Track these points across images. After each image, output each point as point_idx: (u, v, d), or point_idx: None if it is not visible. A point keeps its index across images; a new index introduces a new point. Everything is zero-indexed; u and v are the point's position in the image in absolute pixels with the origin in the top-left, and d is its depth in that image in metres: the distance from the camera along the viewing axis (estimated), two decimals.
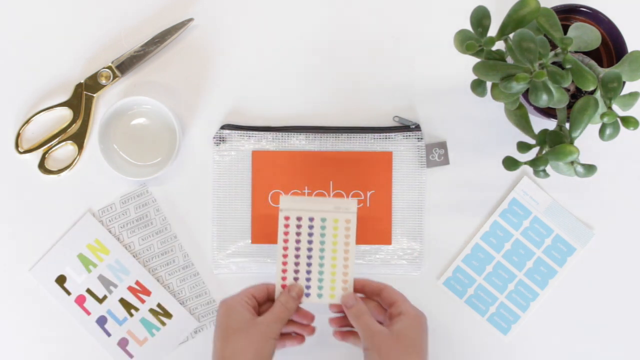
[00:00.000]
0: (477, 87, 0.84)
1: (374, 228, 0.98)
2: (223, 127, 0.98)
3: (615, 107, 0.78)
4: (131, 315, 0.98)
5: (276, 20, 0.99)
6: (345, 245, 0.88)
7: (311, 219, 0.89)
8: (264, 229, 0.98)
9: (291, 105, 0.99)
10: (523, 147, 0.84)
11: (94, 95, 0.98)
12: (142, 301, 0.98)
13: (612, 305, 0.99)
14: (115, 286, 0.97)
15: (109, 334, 0.97)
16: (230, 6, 0.99)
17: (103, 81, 0.98)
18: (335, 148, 0.99)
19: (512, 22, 0.79)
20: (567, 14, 0.91)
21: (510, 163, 0.84)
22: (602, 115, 0.77)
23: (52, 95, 0.98)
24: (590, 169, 0.82)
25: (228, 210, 0.98)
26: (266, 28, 0.99)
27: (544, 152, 0.83)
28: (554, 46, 0.82)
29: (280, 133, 0.98)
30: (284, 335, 0.89)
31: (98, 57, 0.98)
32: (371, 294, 0.88)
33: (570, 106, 0.86)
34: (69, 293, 0.97)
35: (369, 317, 0.84)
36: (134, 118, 0.98)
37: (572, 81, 0.77)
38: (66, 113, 0.98)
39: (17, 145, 0.97)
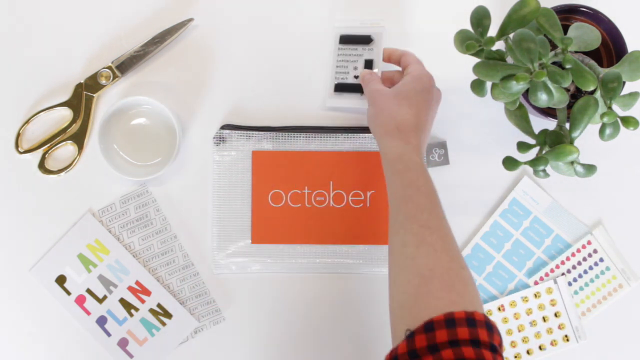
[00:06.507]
0: (477, 87, 0.84)
1: (374, 228, 0.98)
2: (223, 127, 0.98)
3: (615, 107, 0.78)
4: (131, 315, 0.98)
5: (276, 20, 0.99)
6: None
7: None
8: (264, 229, 0.98)
9: (291, 105, 0.99)
10: (523, 147, 0.84)
11: (94, 95, 0.98)
12: (142, 301, 0.98)
13: (612, 305, 0.99)
14: (115, 286, 0.97)
15: (109, 334, 0.97)
16: (230, 6, 0.99)
17: (103, 81, 0.98)
18: (335, 148, 0.99)
19: (512, 22, 0.79)
20: (567, 14, 0.91)
21: (510, 163, 0.84)
22: (602, 115, 0.77)
23: (52, 95, 0.98)
24: (590, 169, 0.82)
25: (228, 210, 0.98)
26: (266, 28, 0.99)
27: (544, 152, 0.83)
28: (554, 46, 0.82)
29: (280, 133, 0.98)
30: None
31: (98, 57, 0.98)
32: (396, 61, 0.94)
33: (570, 106, 0.86)
34: (69, 293, 0.97)
35: (376, 82, 0.90)
36: (134, 118, 0.98)
37: (572, 81, 0.77)
38: (66, 113, 0.98)
39: (17, 145, 0.97)
